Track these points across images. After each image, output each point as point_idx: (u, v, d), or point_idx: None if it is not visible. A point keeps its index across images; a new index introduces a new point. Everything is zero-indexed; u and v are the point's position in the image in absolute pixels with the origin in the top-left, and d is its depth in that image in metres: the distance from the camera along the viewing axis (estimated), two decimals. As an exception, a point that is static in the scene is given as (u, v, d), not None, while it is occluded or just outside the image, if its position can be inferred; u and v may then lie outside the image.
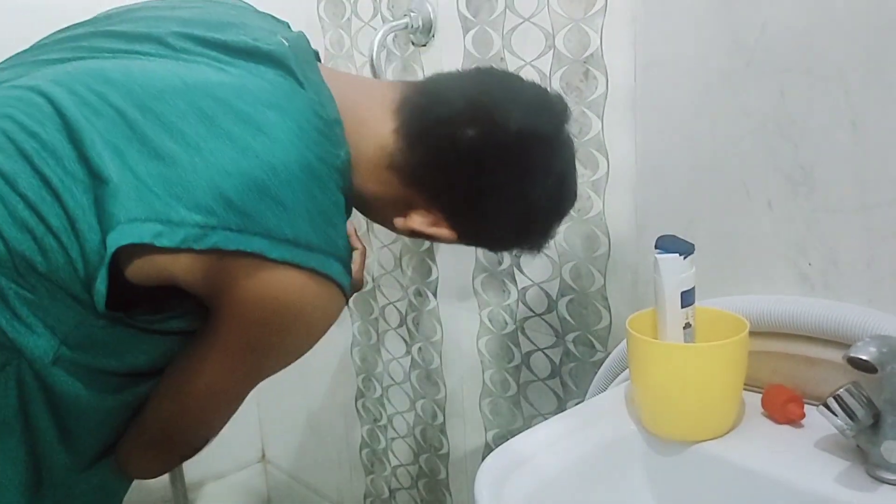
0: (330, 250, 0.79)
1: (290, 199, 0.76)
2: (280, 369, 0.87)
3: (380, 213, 0.92)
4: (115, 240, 0.73)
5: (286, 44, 0.85)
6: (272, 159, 0.76)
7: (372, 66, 1.29)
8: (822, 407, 0.75)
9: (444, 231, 0.90)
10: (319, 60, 0.90)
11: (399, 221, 0.91)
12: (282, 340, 0.82)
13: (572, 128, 0.93)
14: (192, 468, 1.82)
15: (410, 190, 0.88)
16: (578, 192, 0.99)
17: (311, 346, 0.85)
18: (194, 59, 0.84)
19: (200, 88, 0.79)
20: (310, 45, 0.88)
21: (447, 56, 1.25)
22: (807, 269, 0.88)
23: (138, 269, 0.76)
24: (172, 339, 0.84)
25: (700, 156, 0.95)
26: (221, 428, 0.92)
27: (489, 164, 0.86)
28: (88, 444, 0.85)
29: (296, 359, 0.86)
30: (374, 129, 0.87)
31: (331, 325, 0.84)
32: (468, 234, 0.92)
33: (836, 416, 0.75)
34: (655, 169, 1.01)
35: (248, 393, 0.88)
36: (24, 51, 0.91)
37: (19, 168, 0.74)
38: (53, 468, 0.84)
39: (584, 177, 1.09)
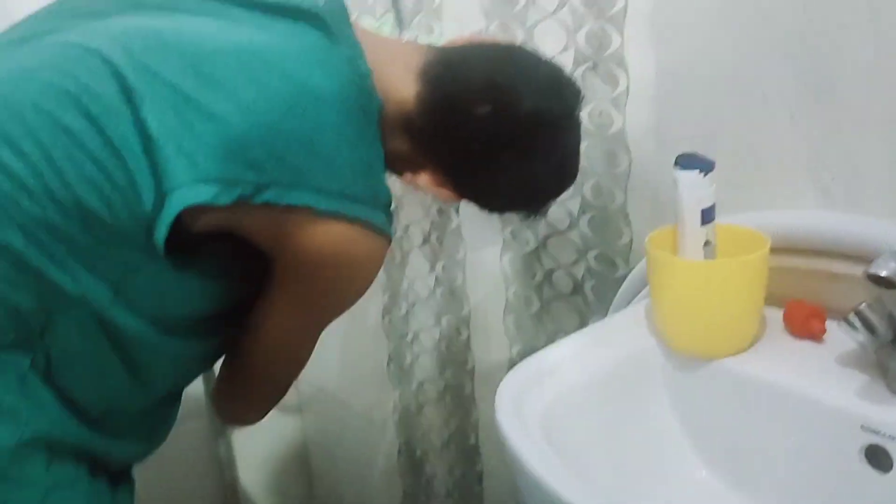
0: (374, 201, 0.84)
1: (337, 154, 0.81)
2: (339, 314, 0.94)
3: (390, 165, 0.94)
4: (179, 201, 0.76)
5: (321, 1, 0.88)
6: (319, 116, 0.80)
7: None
8: (842, 322, 0.76)
9: (446, 192, 0.95)
10: None
11: (408, 177, 0.96)
12: (336, 289, 0.88)
13: (582, 112, 0.98)
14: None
15: (421, 152, 0.93)
16: (600, 109, 1.01)
17: (362, 293, 0.91)
18: (239, 18, 0.87)
19: (248, 50, 0.82)
20: (344, 3, 0.90)
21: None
22: (829, 182, 0.87)
23: (198, 221, 0.80)
24: (232, 284, 0.88)
25: (721, 69, 0.93)
26: (302, 370, 1.02)
27: (498, 142, 0.90)
28: (160, 386, 0.92)
29: (351, 304, 0.93)
30: (398, 89, 0.89)
31: (378, 271, 0.90)
32: (469, 198, 0.99)
33: (856, 331, 0.75)
34: (676, 83, 0.99)
35: (316, 339, 0.97)
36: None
37: (85, 127, 0.77)
38: (124, 406, 0.90)
39: (604, 93, 1.07)
